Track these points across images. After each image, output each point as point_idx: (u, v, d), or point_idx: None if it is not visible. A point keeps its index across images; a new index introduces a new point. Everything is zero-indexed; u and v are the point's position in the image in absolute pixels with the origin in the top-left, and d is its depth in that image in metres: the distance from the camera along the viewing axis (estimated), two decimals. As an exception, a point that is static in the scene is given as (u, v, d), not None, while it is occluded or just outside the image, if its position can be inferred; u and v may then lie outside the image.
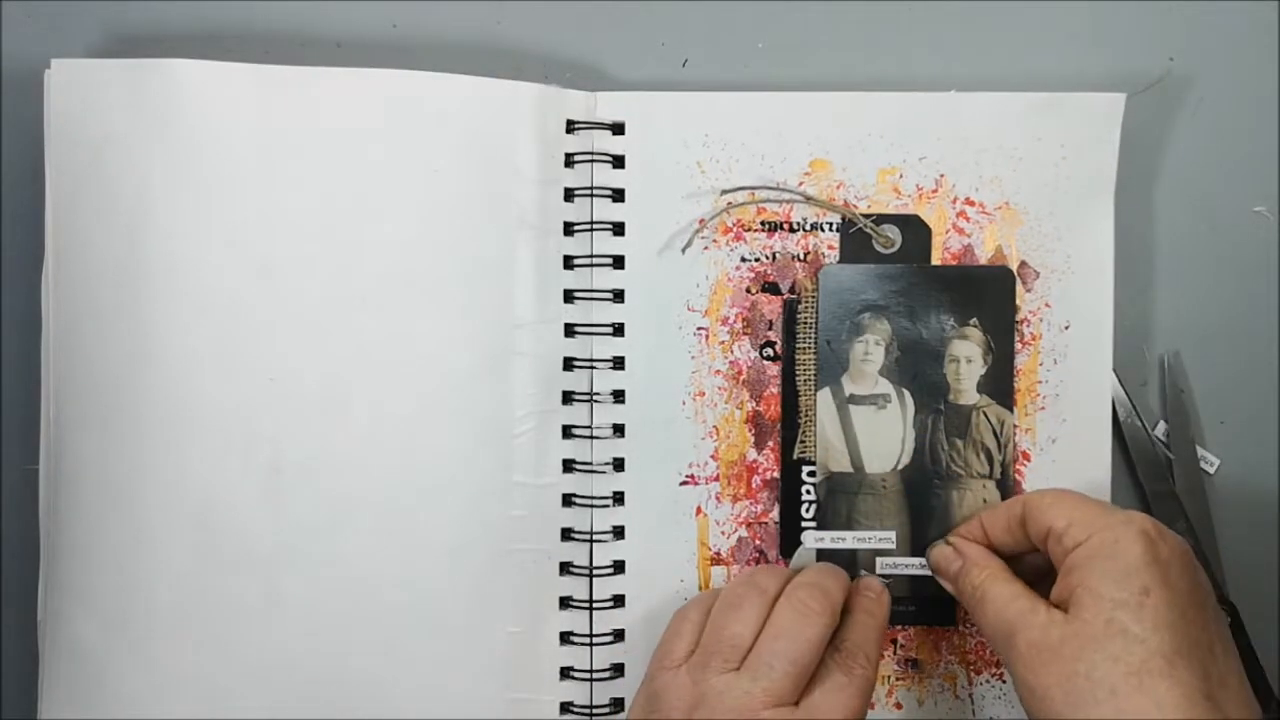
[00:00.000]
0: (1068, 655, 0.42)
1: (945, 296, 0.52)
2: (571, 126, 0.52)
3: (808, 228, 0.52)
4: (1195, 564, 0.44)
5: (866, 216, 0.52)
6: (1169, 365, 0.53)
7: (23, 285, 0.52)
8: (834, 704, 0.45)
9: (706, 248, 0.52)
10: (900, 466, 0.52)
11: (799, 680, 0.45)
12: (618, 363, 0.52)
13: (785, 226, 0.52)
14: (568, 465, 0.52)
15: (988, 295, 0.52)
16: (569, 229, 0.52)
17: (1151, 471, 0.53)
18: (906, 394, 0.52)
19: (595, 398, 0.52)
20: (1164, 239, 0.54)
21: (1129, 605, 0.42)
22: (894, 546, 0.51)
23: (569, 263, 0.52)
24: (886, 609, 0.49)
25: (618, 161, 0.52)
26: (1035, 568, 0.48)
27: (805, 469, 0.52)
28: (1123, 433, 0.52)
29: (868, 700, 0.46)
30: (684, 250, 0.52)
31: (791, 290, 0.52)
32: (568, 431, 0.52)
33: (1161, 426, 0.53)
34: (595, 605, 0.52)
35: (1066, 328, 0.52)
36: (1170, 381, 0.53)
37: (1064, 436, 0.52)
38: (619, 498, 0.52)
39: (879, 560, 0.51)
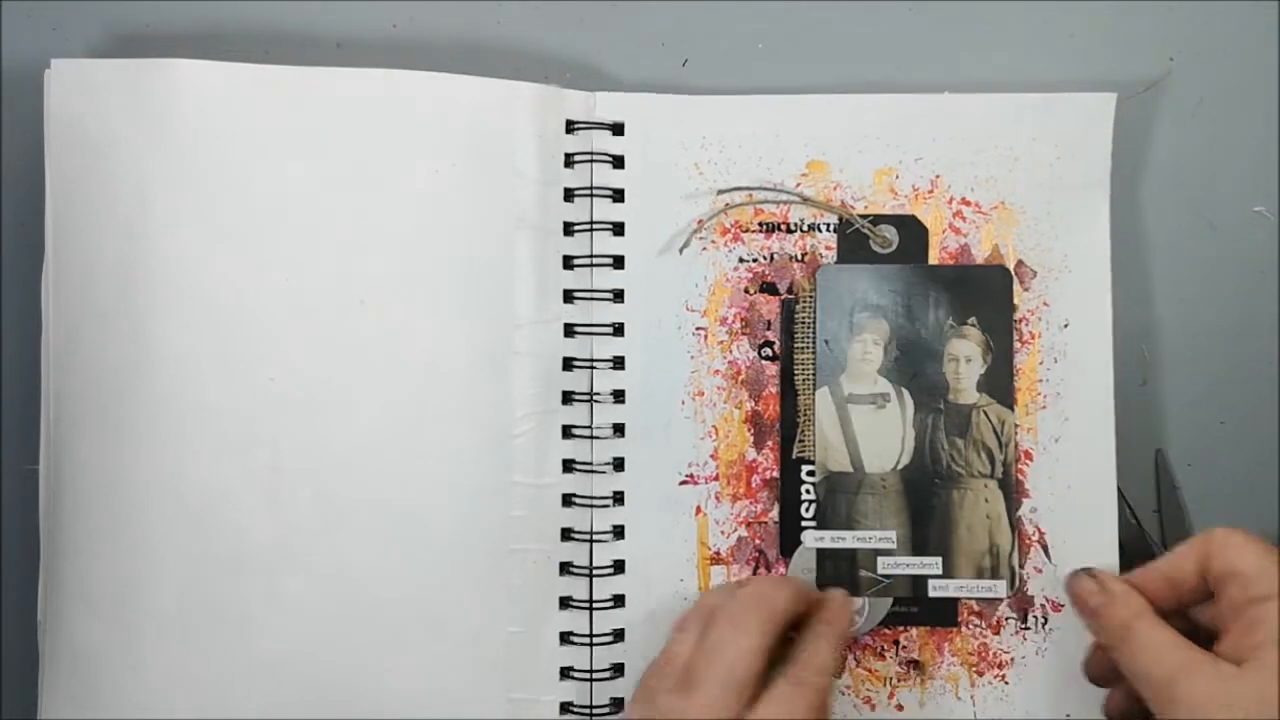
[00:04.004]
0: (1243, 711, 0.40)
1: (943, 296, 0.52)
2: (571, 126, 0.52)
3: (805, 228, 0.52)
4: None
5: (863, 217, 0.52)
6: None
7: (23, 285, 0.52)
8: (779, 714, 0.44)
9: (705, 249, 0.52)
10: (900, 466, 0.52)
11: (741, 693, 0.44)
12: (617, 362, 0.52)
13: (783, 227, 0.52)
14: (568, 465, 0.52)
15: (985, 294, 0.52)
16: (569, 229, 0.52)
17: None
18: (906, 393, 0.52)
19: (595, 398, 0.52)
20: (1164, 239, 0.53)
21: None
22: (894, 546, 0.51)
23: (569, 263, 0.52)
24: (846, 618, 0.48)
25: (617, 162, 0.52)
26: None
27: (805, 468, 0.52)
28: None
29: (821, 710, 0.45)
30: (681, 250, 0.52)
31: (789, 290, 0.52)
32: (568, 431, 0.52)
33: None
34: (595, 605, 0.52)
35: (1065, 326, 0.52)
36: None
37: (1067, 435, 0.52)
38: (619, 498, 0.52)
39: (880, 560, 0.51)
